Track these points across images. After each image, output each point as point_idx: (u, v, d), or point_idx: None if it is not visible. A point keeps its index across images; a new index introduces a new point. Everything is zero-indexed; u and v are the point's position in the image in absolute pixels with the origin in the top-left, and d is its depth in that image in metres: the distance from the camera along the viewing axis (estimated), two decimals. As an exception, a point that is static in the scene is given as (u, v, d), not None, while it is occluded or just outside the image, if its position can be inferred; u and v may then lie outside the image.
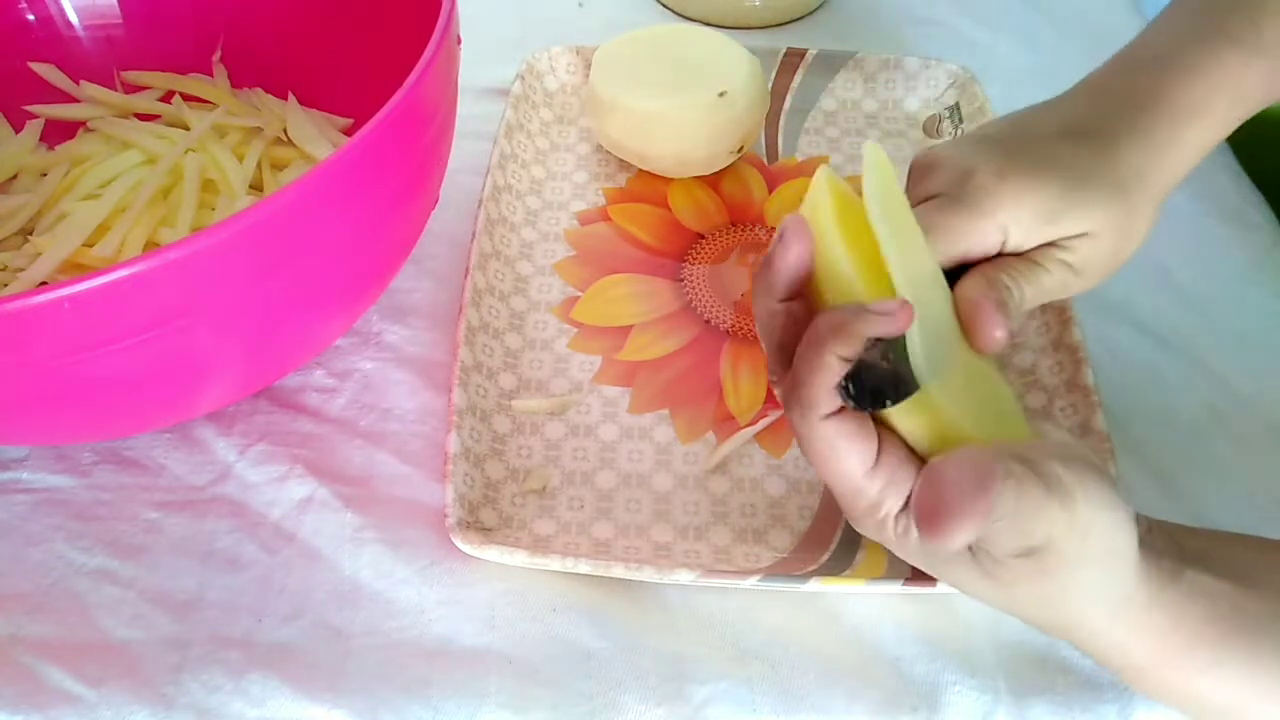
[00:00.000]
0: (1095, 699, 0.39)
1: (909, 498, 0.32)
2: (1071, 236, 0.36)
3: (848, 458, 0.32)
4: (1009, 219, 0.35)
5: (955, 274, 0.36)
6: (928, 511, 0.30)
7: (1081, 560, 0.31)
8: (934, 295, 0.34)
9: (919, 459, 0.33)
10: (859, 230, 0.32)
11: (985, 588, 0.33)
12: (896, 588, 0.40)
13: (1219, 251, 0.56)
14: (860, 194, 0.33)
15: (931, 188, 0.37)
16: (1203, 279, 0.54)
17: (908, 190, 0.38)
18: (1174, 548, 0.33)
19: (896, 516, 0.33)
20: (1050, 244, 0.37)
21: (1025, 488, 0.30)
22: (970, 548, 0.32)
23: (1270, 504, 0.45)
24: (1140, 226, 0.38)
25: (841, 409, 0.32)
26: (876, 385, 0.31)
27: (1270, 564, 0.34)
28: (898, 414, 0.32)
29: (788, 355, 0.34)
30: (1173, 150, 0.38)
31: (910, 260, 0.33)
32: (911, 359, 0.31)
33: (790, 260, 0.33)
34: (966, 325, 0.34)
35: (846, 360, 0.31)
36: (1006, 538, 0.30)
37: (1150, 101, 0.38)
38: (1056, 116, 0.39)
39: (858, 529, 0.34)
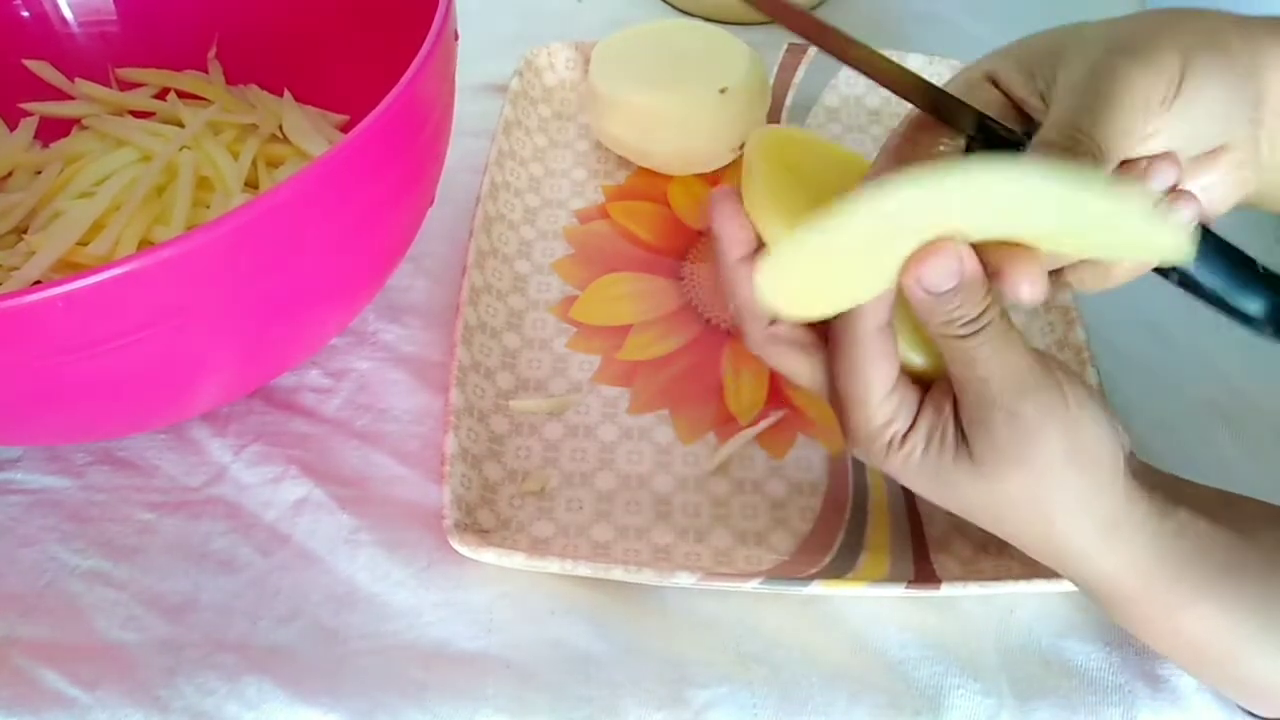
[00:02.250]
0: (1099, 702, 0.39)
1: (914, 420, 0.33)
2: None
3: (876, 372, 0.33)
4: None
5: None
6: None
7: (1066, 457, 0.32)
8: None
9: (918, 385, 0.34)
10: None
11: (981, 492, 0.33)
12: (899, 590, 0.39)
13: (1223, 249, 0.56)
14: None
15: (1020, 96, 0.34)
16: (1206, 277, 0.54)
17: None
18: (1169, 488, 0.34)
19: (904, 438, 0.34)
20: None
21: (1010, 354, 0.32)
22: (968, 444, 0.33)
23: (1276, 501, 0.44)
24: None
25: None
26: None
27: (1269, 518, 0.35)
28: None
29: None
30: None
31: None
32: None
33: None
34: None
35: None
36: (999, 384, 0.32)
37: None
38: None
39: (858, 453, 0.35)
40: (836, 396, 0.35)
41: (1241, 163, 0.33)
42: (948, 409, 0.33)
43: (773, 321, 0.35)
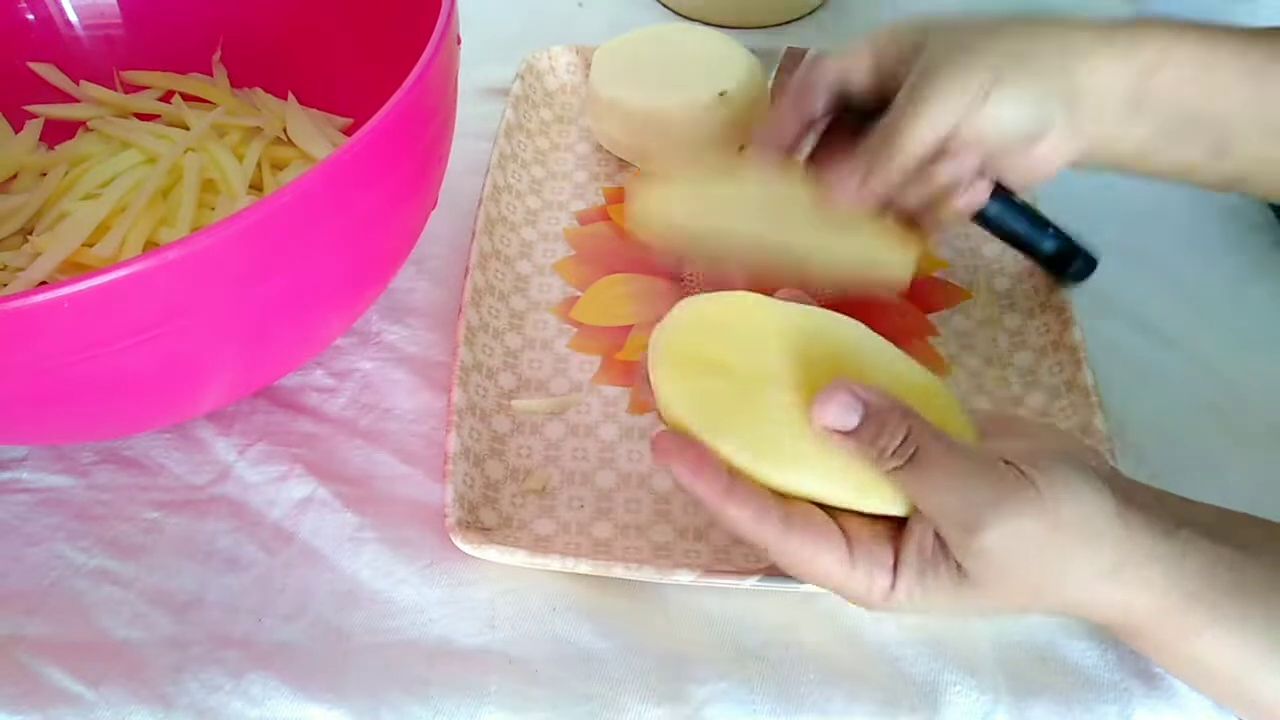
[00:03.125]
0: (1095, 699, 0.39)
1: (895, 569, 0.33)
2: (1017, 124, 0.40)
3: (822, 557, 0.33)
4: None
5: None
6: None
7: (1052, 538, 0.32)
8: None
9: (889, 532, 0.34)
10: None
11: (987, 601, 0.33)
12: (896, 587, 0.40)
13: (1219, 251, 0.56)
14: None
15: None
16: (1203, 279, 0.54)
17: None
18: (1166, 508, 0.34)
19: (893, 589, 0.33)
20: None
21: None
22: (959, 567, 0.33)
23: (1271, 503, 0.44)
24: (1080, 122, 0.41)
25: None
26: None
27: (1269, 534, 0.35)
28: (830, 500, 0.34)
29: None
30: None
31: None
32: None
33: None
34: None
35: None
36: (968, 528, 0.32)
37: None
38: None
39: (872, 610, 0.35)
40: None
41: (1062, 138, 0.41)
42: (930, 544, 0.33)
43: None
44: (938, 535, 0.33)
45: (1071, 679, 0.39)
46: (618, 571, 0.40)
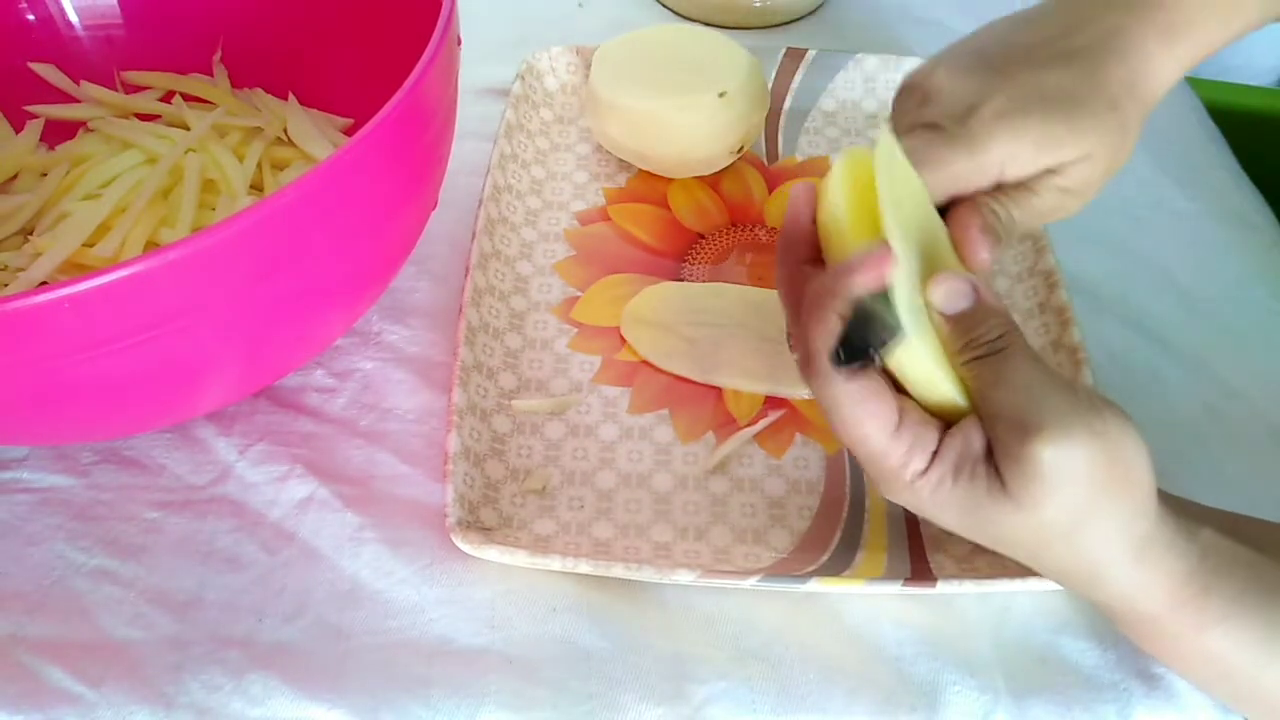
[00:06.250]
0: (1095, 699, 0.39)
1: (934, 456, 0.33)
2: (1068, 163, 0.36)
3: (869, 421, 0.32)
4: (1007, 156, 0.36)
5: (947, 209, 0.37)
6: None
7: (1106, 481, 0.31)
8: (935, 248, 0.35)
9: (940, 422, 0.33)
10: (866, 200, 0.33)
11: (1015, 524, 0.32)
12: (896, 588, 0.40)
13: (1219, 251, 0.56)
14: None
15: (927, 116, 0.37)
16: (1202, 279, 0.54)
17: (894, 112, 0.39)
18: (1186, 511, 0.34)
19: (924, 474, 0.33)
20: (1047, 171, 0.37)
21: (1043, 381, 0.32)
22: (1000, 476, 0.32)
23: (1270, 504, 0.45)
24: (1132, 139, 0.37)
25: (858, 371, 0.32)
26: (858, 341, 0.32)
27: (1278, 538, 0.35)
28: (906, 368, 0.33)
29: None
30: (1165, 61, 0.38)
31: (909, 217, 0.34)
32: (897, 307, 0.32)
33: (795, 216, 0.35)
34: (957, 251, 0.35)
35: (845, 318, 0.32)
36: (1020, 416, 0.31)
37: (1129, 14, 0.37)
38: (1039, 35, 0.38)
39: (885, 495, 0.34)
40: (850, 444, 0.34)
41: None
42: (978, 443, 0.32)
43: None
44: (989, 440, 0.32)
45: (1071, 679, 0.40)
46: (618, 571, 0.40)
